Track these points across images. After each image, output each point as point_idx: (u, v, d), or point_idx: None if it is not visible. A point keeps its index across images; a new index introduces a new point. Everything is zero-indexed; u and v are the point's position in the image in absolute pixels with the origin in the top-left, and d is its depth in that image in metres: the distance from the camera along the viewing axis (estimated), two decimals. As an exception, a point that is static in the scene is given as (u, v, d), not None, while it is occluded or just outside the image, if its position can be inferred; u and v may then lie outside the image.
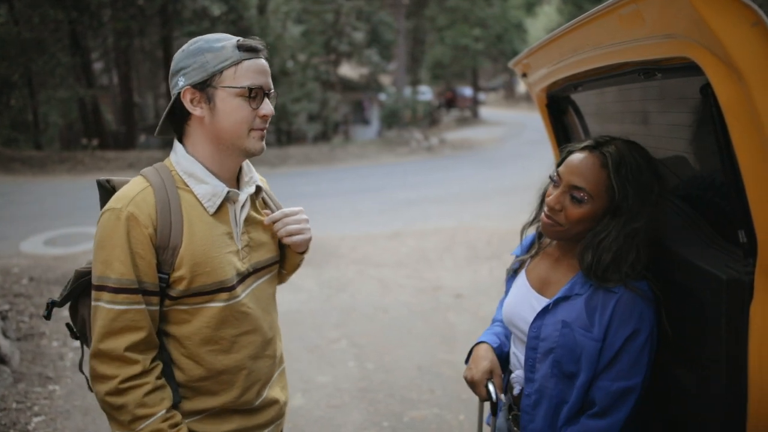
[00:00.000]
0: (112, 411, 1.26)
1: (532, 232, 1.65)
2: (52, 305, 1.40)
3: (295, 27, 20.07)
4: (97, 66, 21.43)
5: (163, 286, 1.30)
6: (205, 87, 1.30)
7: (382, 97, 24.78)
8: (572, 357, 1.36)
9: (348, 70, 26.03)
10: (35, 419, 3.29)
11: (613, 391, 1.33)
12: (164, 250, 1.28)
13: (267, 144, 1.39)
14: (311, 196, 11.19)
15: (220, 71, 1.29)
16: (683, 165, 1.50)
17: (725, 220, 1.28)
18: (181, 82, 1.31)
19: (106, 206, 1.30)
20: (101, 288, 1.26)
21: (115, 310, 1.25)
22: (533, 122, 24.68)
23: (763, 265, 1.05)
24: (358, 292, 5.80)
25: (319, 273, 6.32)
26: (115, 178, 1.42)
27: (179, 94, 1.31)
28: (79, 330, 1.45)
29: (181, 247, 1.29)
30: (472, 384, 1.57)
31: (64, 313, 5.09)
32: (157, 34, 18.36)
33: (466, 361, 1.65)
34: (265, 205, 1.52)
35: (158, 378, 1.30)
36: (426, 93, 29.57)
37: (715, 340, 1.19)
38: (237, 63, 1.29)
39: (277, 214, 1.48)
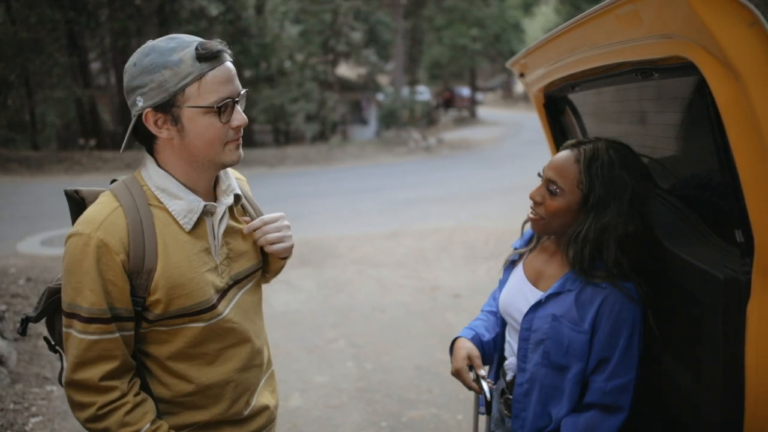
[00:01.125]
0: None
1: None
2: (26, 321, 1.32)
3: (292, 27, 20.07)
4: (95, 66, 21.41)
5: (138, 309, 1.23)
6: (168, 108, 1.19)
7: (380, 97, 24.76)
8: (560, 349, 1.44)
9: (346, 70, 26.03)
10: (32, 420, 3.29)
11: (609, 390, 1.40)
12: (138, 274, 1.20)
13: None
14: (309, 197, 11.18)
15: (182, 89, 1.17)
16: (680, 165, 1.50)
17: (722, 219, 1.29)
18: (140, 102, 1.19)
19: (74, 229, 1.21)
20: (72, 316, 1.19)
21: (87, 340, 1.19)
22: (531, 122, 24.70)
23: (760, 264, 1.05)
24: (357, 292, 5.80)
25: (318, 273, 6.32)
26: (84, 188, 1.32)
27: (141, 115, 1.20)
28: (57, 343, 1.38)
29: (156, 271, 1.21)
30: (456, 374, 1.62)
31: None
32: (155, 34, 18.08)
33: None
34: (244, 211, 1.44)
35: (137, 395, 1.25)
36: (424, 93, 29.55)
37: (712, 340, 1.19)
38: (199, 78, 1.17)
39: (255, 222, 1.40)
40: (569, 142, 1.52)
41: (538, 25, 35.57)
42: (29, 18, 14.84)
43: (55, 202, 10.43)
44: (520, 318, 1.53)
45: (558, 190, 1.45)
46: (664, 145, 1.54)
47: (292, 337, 4.59)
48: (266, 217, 1.42)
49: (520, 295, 1.57)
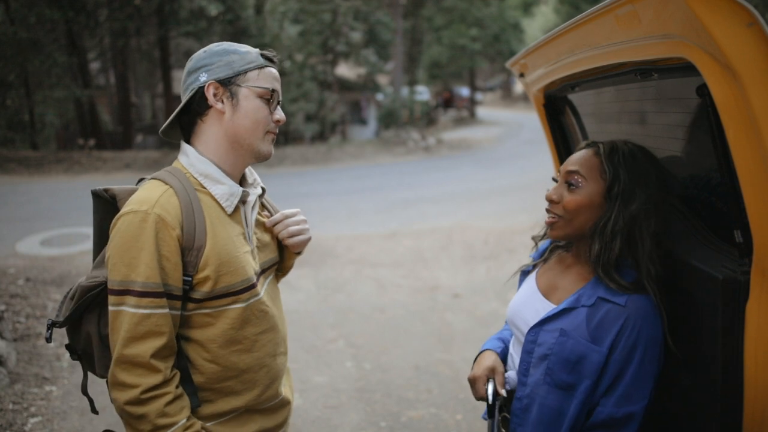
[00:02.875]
0: (131, 420, 1.24)
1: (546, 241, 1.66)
2: (52, 326, 1.35)
3: (292, 27, 20.06)
4: (94, 66, 21.40)
5: (186, 288, 1.28)
6: (229, 84, 1.33)
7: (380, 97, 24.75)
8: (565, 366, 1.34)
9: (345, 70, 26.00)
10: (32, 420, 3.28)
11: (618, 418, 1.30)
12: (189, 251, 1.27)
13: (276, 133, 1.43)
14: (308, 196, 11.18)
15: (245, 72, 1.34)
16: (680, 165, 1.50)
17: (721, 220, 1.29)
18: (203, 77, 1.33)
19: (126, 209, 1.26)
20: (125, 292, 1.23)
21: (139, 314, 1.23)
22: (530, 122, 24.73)
23: (759, 264, 1.05)
24: (355, 292, 5.80)
25: (316, 273, 6.32)
26: (114, 186, 1.39)
27: (199, 89, 1.33)
28: (83, 348, 1.40)
29: (206, 248, 1.28)
30: (472, 380, 1.55)
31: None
32: (154, 34, 18.32)
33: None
34: (263, 207, 1.54)
35: (177, 387, 1.28)
36: (423, 93, 29.54)
37: (711, 340, 1.19)
38: (261, 67, 1.36)
39: (277, 216, 1.52)
40: (584, 143, 1.47)
41: (537, 25, 35.60)
42: (28, 18, 14.82)
43: (55, 202, 10.45)
44: (525, 329, 1.46)
45: (580, 181, 1.37)
46: (664, 146, 1.54)
47: (291, 337, 4.58)
48: (286, 211, 1.54)
49: (529, 305, 1.49)
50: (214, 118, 1.35)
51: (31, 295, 5.19)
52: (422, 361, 4.15)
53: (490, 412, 1.51)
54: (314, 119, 20.90)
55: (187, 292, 1.29)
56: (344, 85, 24.04)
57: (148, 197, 1.27)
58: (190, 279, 1.28)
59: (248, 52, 1.37)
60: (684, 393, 1.36)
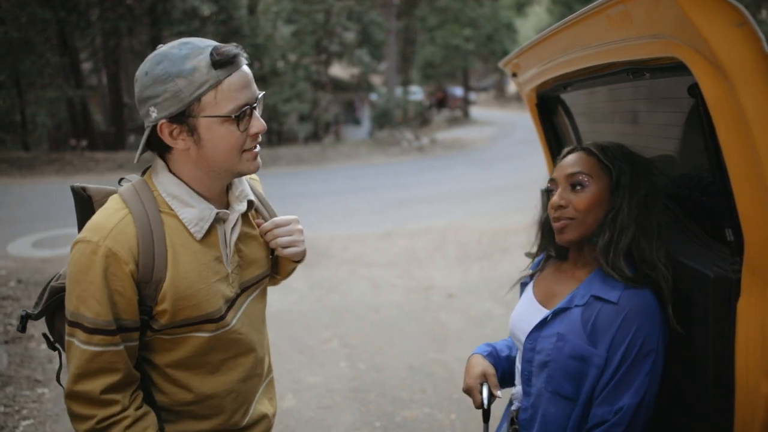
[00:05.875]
0: None
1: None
2: (26, 318, 1.29)
3: (285, 27, 20.03)
4: (86, 66, 21.28)
5: (145, 318, 1.19)
6: (183, 118, 1.14)
7: (373, 97, 24.76)
8: (565, 372, 1.32)
9: (339, 70, 25.99)
10: (23, 423, 3.26)
11: (615, 422, 1.26)
12: (147, 284, 1.17)
13: (258, 144, 1.26)
14: (302, 197, 11.16)
15: (198, 99, 1.13)
16: (672, 164, 1.51)
17: (713, 218, 1.29)
18: (154, 114, 1.15)
19: (81, 236, 1.16)
20: (75, 325, 1.15)
21: (90, 351, 1.14)
22: (524, 122, 24.75)
23: (750, 263, 1.05)
24: (350, 292, 5.79)
25: (310, 273, 6.31)
26: (91, 186, 1.29)
27: (155, 126, 1.16)
28: (57, 340, 1.36)
29: (165, 282, 1.17)
30: (468, 392, 1.54)
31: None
32: (147, 34, 18.24)
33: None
34: (258, 213, 1.41)
35: (138, 408, 1.21)
36: (417, 93, 29.60)
37: (703, 338, 1.20)
38: (216, 86, 1.13)
39: (267, 225, 1.37)
40: (566, 149, 1.46)
41: (530, 25, 35.72)
42: (19, 17, 14.72)
43: (47, 203, 10.39)
44: (524, 338, 1.43)
45: (586, 180, 1.35)
46: (656, 145, 1.54)
47: (285, 337, 4.58)
48: (278, 219, 1.39)
49: (527, 315, 1.47)
50: (180, 152, 1.20)
51: (23, 297, 5.16)
52: (416, 361, 4.15)
53: (485, 416, 1.49)
54: (308, 119, 20.87)
55: (146, 322, 1.20)
56: (338, 86, 24.03)
57: (103, 225, 1.15)
58: (149, 309, 1.18)
59: (195, 69, 1.11)
60: (675, 391, 1.36)
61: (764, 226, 0.99)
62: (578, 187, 1.37)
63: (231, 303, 1.29)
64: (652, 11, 1.02)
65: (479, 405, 1.50)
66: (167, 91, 1.13)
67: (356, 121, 26.25)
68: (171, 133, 1.16)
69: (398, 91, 24.21)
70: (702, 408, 1.23)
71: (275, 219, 1.40)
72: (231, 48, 1.15)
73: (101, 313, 1.14)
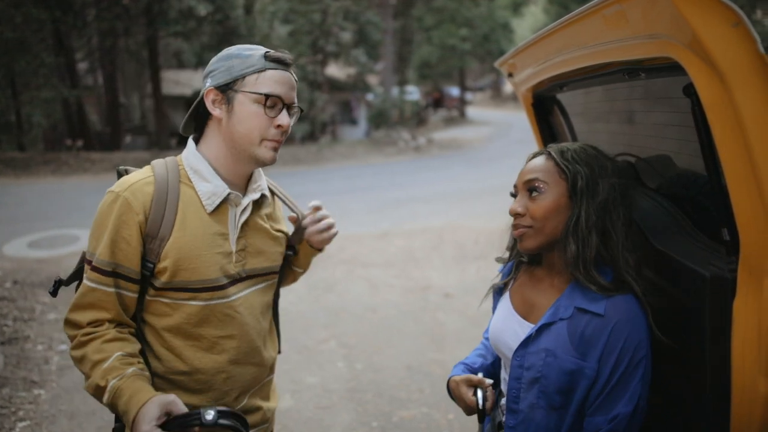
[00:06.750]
0: (78, 366, 1.30)
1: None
2: (59, 283, 1.43)
3: (282, 27, 20.01)
4: (82, 66, 21.19)
5: (147, 274, 1.33)
6: (227, 89, 1.34)
7: (370, 97, 24.74)
8: (558, 387, 1.29)
9: (335, 70, 25.95)
10: (20, 424, 3.25)
11: (605, 425, 1.26)
12: (152, 239, 1.32)
13: (279, 141, 1.41)
14: (299, 197, 10.98)
15: (243, 76, 1.33)
16: (668, 164, 1.51)
17: (709, 218, 1.30)
18: (208, 83, 1.37)
19: (110, 188, 1.34)
20: (87, 261, 1.33)
21: (87, 285, 1.31)
22: (520, 122, 24.81)
23: (746, 262, 1.06)
24: (347, 292, 5.79)
25: (308, 274, 6.26)
26: (134, 169, 1.45)
27: (203, 98, 1.37)
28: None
29: (168, 240, 1.32)
30: (459, 399, 1.52)
31: (49, 317, 5.03)
32: (143, 34, 18.18)
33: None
34: (290, 209, 1.63)
35: (123, 332, 1.33)
36: (413, 93, 29.56)
37: (699, 338, 1.20)
38: (260, 71, 1.34)
39: (317, 214, 1.63)
40: (531, 154, 1.44)
41: (527, 25, 35.76)
42: (15, 17, 14.66)
43: (42, 204, 10.35)
44: (510, 354, 1.39)
45: (542, 186, 1.32)
46: (652, 145, 1.55)
47: (283, 338, 4.57)
48: (315, 203, 1.65)
49: (509, 329, 1.42)
50: (215, 123, 1.39)
51: (19, 298, 5.14)
52: (414, 361, 4.16)
53: (480, 417, 1.47)
54: (304, 119, 20.84)
55: (148, 278, 1.34)
56: (334, 85, 24.01)
57: (127, 181, 1.34)
58: (152, 266, 1.33)
59: (251, 55, 1.35)
60: (671, 392, 1.37)
61: (760, 225, 0.99)
62: (534, 194, 1.35)
63: (234, 281, 1.41)
64: (648, 11, 1.02)
65: (471, 406, 1.48)
66: (223, 66, 1.35)
67: (353, 121, 26.23)
68: (213, 101, 1.36)
69: (395, 91, 24.20)
70: (699, 407, 1.24)
71: (316, 208, 1.65)
72: (284, 53, 1.37)
73: (104, 254, 1.30)
